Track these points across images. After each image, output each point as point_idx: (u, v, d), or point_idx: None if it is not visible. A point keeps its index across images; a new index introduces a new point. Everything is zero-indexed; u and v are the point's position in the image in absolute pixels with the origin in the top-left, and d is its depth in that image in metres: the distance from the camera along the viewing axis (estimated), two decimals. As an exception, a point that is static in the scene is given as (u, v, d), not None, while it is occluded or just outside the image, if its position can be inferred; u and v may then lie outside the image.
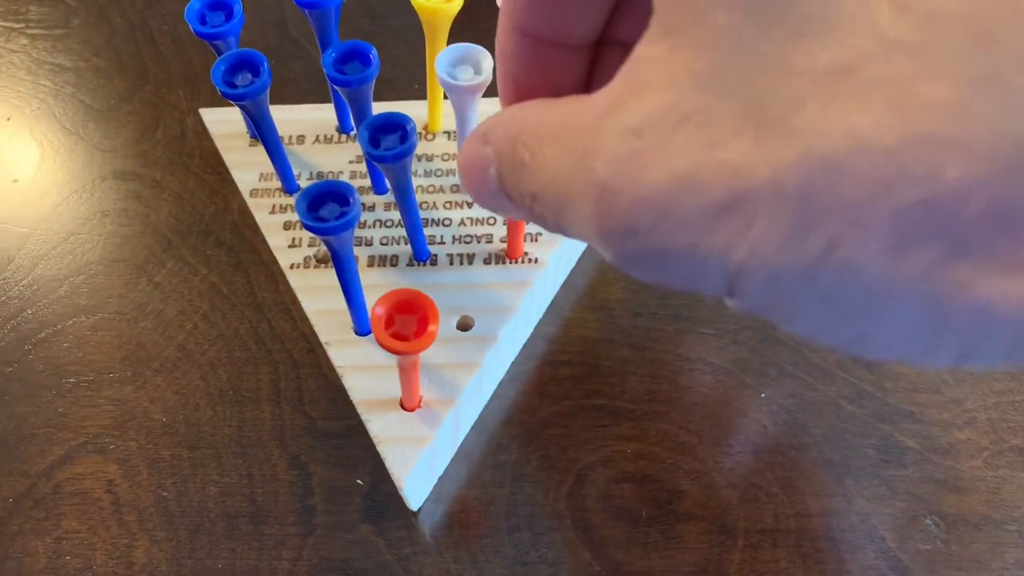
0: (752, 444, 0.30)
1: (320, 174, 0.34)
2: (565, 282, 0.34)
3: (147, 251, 0.35)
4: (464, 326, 0.30)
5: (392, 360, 0.26)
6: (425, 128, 0.36)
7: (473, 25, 0.37)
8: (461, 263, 0.32)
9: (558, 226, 0.13)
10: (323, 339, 0.30)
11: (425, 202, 0.33)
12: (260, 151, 0.35)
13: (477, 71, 0.27)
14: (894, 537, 0.28)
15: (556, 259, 0.32)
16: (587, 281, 0.34)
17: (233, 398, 0.31)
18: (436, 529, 0.28)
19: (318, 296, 0.31)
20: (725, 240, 0.10)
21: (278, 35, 0.42)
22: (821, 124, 0.09)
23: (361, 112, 0.29)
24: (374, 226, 0.33)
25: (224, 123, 0.37)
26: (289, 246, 0.33)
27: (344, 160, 0.35)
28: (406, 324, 0.23)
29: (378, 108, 0.29)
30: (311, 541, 0.28)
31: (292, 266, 0.32)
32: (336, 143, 0.35)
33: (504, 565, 0.28)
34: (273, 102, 0.31)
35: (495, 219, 0.33)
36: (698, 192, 0.10)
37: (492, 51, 0.19)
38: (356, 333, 0.30)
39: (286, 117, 0.36)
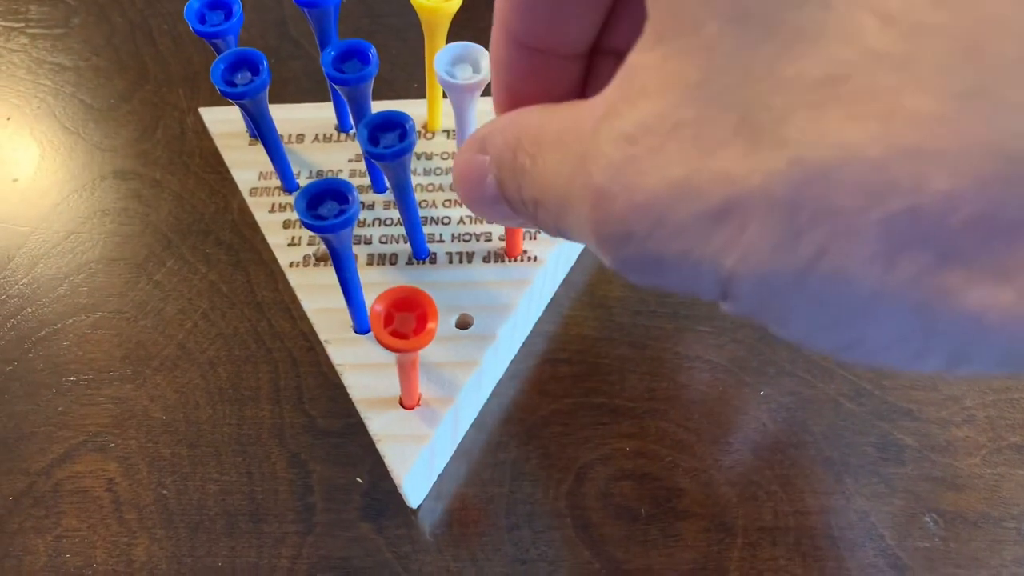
0: (751, 442, 0.30)
1: (319, 173, 0.35)
2: (564, 280, 0.34)
3: (147, 250, 0.35)
4: (463, 324, 0.30)
5: (391, 358, 0.26)
6: (424, 127, 0.36)
7: (472, 24, 0.37)
8: (460, 261, 0.32)
9: (559, 231, 0.13)
10: (322, 337, 0.30)
11: (424, 200, 0.33)
12: (260, 150, 0.35)
13: (476, 70, 0.27)
14: (893, 535, 0.28)
15: (555, 257, 0.32)
16: (586, 279, 0.34)
17: (233, 396, 0.31)
18: (436, 527, 0.29)
19: (317, 294, 0.31)
20: (718, 246, 0.10)
21: (278, 34, 0.42)
22: (809, 134, 0.09)
23: (360, 111, 0.29)
24: (373, 224, 0.33)
25: (224, 122, 0.37)
26: (288, 244, 0.33)
27: (343, 159, 0.35)
28: (405, 322, 0.23)
29: (377, 107, 0.29)
30: (311, 539, 0.28)
31: (291, 264, 0.32)
32: (335, 142, 0.35)
33: (504, 563, 0.28)
34: (273, 101, 0.31)
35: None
36: (692, 199, 0.10)
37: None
38: (355, 331, 0.30)
39: (285, 116, 0.36)
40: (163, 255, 0.35)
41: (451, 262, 0.32)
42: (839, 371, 0.31)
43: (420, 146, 0.35)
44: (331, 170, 0.35)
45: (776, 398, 0.31)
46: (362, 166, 0.35)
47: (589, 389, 0.31)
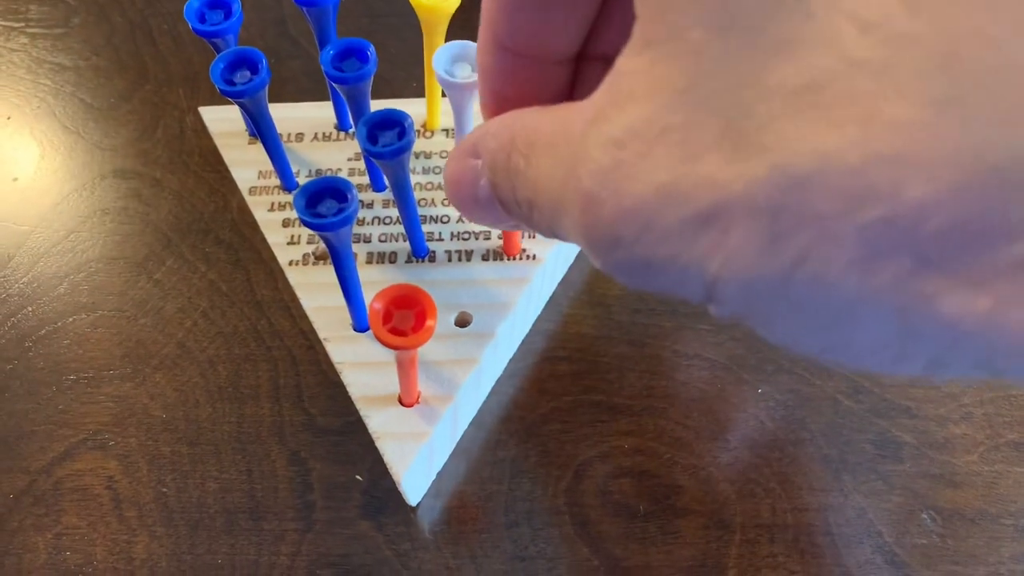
0: (749, 439, 0.30)
1: (319, 171, 0.35)
2: (563, 279, 0.34)
3: (147, 249, 0.35)
4: (462, 322, 0.30)
5: (391, 356, 0.26)
6: (423, 126, 0.36)
7: (470, 22, 0.37)
8: (459, 260, 0.32)
9: (553, 232, 0.13)
10: (322, 335, 0.30)
11: (423, 199, 0.33)
12: (259, 149, 0.35)
13: (475, 68, 0.27)
14: (890, 532, 0.28)
15: (554, 256, 0.32)
16: (585, 277, 0.34)
17: (232, 395, 0.31)
18: (435, 524, 0.29)
19: (317, 293, 0.31)
20: (703, 251, 0.10)
21: (277, 34, 0.42)
22: (790, 141, 0.09)
23: (359, 109, 0.29)
24: (373, 223, 0.33)
25: (223, 121, 0.37)
26: (288, 243, 0.33)
27: (343, 157, 0.35)
28: (404, 319, 0.23)
29: (376, 106, 0.29)
30: (310, 537, 0.28)
31: (291, 263, 0.32)
32: (335, 141, 0.36)
33: (503, 560, 0.28)
34: (272, 100, 0.31)
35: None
36: (678, 204, 0.10)
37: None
38: (355, 329, 0.30)
39: (285, 115, 0.36)
40: (163, 254, 0.35)
41: (450, 260, 0.32)
42: (837, 369, 0.31)
43: (419, 145, 0.35)
44: (330, 169, 0.35)
45: (774, 396, 0.31)
46: (361, 165, 0.35)
47: (588, 387, 0.31)
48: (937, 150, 0.08)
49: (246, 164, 0.35)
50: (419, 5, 0.29)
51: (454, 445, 0.30)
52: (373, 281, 0.31)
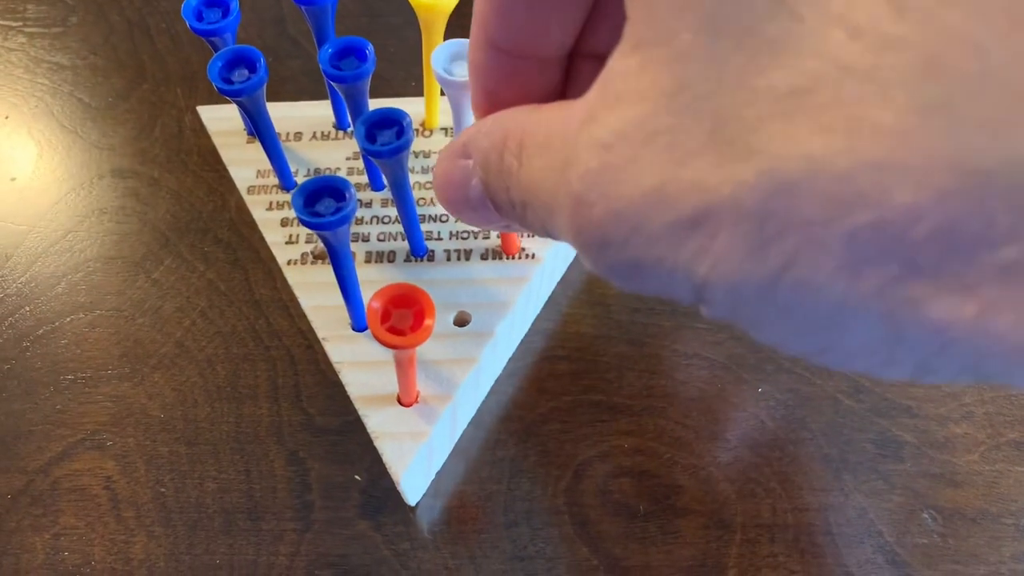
0: (749, 439, 0.30)
1: (317, 170, 0.35)
2: (562, 278, 0.34)
3: (145, 248, 0.35)
4: (461, 322, 0.30)
5: (389, 355, 0.26)
6: (422, 124, 0.36)
7: (469, 21, 0.37)
8: (458, 259, 0.32)
9: (547, 233, 0.13)
10: (320, 335, 0.30)
11: (422, 198, 0.33)
12: (257, 148, 0.35)
13: (473, 66, 0.27)
14: (891, 531, 0.28)
15: (553, 255, 0.32)
16: (584, 277, 0.34)
17: (231, 394, 0.31)
18: (434, 524, 0.29)
19: (315, 292, 0.31)
20: (691, 254, 0.10)
21: (276, 33, 0.42)
22: (778, 146, 0.09)
23: (358, 108, 0.29)
24: (371, 222, 0.33)
25: (222, 120, 0.37)
26: (286, 242, 0.33)
27: (341, 157, 0.35)
28: (402, 318, 0.23)
29: (375, 105, 0.29)
30: (309, 536, 0.28)
31: (289, 262, 0.32)
32: (333, 140, 0.35)
33: (502, 560, 0.28)
34: (270, 99, 0.31)
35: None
36: (665, 208, 0.10)
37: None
38: (353, 329, 0.30)
39: (283, 114, 0.36)
40: (161, 253, 0.35)
41: (449, 259, 0.32)
42: (831, 369, 0.31)
43: (418, 144, 0.35)
44: (329, 168, 0.35)
45: (774, 395, 0.31)
46: (360, 164, 0.35)
47: (587, 386, 0.31)
48: (923, 156, 0.08)
49: (244, 163, 0.35)
50: (418, 4, 0.29)
51: (453, 445, 0.30)
52: (372, 280, 0.31)
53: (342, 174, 0.34)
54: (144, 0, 0.44)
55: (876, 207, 0.08)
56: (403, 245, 0.32)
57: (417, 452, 0.27)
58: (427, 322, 0.23)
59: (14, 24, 0.43)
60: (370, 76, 0.28)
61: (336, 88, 0.29)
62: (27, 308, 0.33)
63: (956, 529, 0.28)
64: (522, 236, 0.32)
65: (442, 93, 0.33)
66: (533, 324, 0.33)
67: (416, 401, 0.28)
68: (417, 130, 0.36)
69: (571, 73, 0.16)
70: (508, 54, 0.15)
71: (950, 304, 0.09)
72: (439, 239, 0.32)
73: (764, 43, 0.09)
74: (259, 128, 0.31)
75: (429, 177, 0.34)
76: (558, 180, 0.12)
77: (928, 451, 0.30)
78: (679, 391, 0.31)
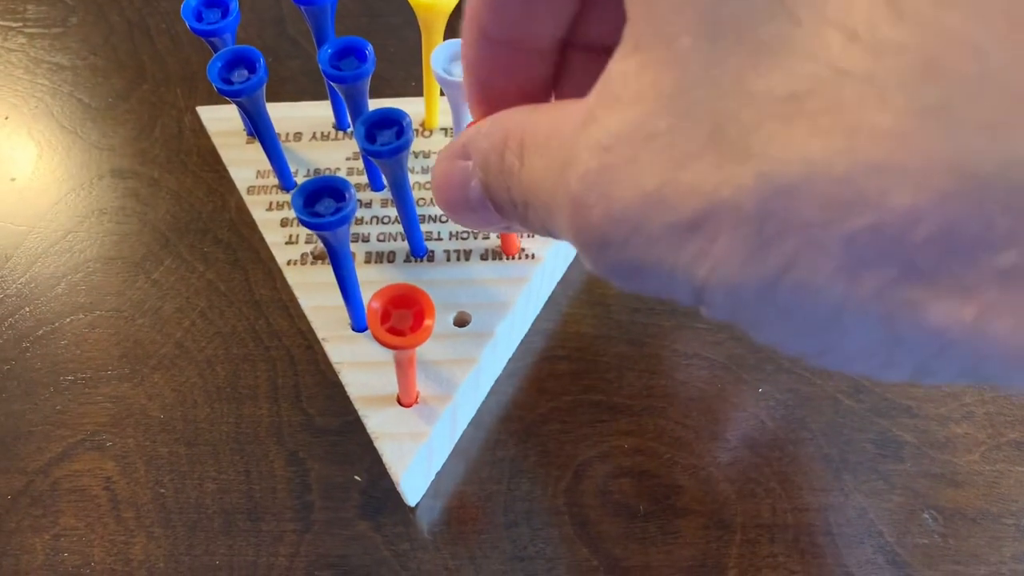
0: (749, 439, 0.30)
1: (317, 171, 0.35)
2: (562, 278, 0.34)
3: (145, 249, 0.35)
4: (461, 322, 0.30)
5: (389, 356, 0.26)
6: (422, 125, 0.36)
7: (470, 22, 0.37)
8: (458, 259, 0.32)
9: (548, 232, 0.13)
10: (320, 335, 0.30)
11: (422, 198, 0.33)
12: (257, 148, 0.35)
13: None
14: (891, 531, 0.28)
15: (553, 255, 0.32)
16: (584, 277, 0.34)
17: (231, 395, 0.31)
18: (434, 525, 0.29)
19: (315, 292, 0.31)
20: (690, 256, 0.10)
21: (276, 34, 0.42)
22: (777, 149, 0.09)
23: (358, 109, 0.29)
24: (371, 223, 0.33)
25: (221, 121, 0.37)
26: (286, 243, 0.33)
27: (341, 157, 0.35)
28: (402, 319, 0.23)
29: (375, 105, 0.29)
30: (308, 537, 0.28)
31: (289, 263, 0.32)
32: (333, 140, 0.35)
33: (502, 560, 0.28)
34: (270, 100, 0.31)
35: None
36: (664, 210, 0.10)
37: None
38: (353, 329, 0.30)
39: (283, 114, 0.36)
40: (161, 254, 0.35)
41: (449, 260, 0.32)
42: (830, 370, 0.31)
43: (417, 144, 0.35)
44: (329, 168, 0.35)
45: (774, 395, 0.31)
46: (360, 164, 0.35)
47: (587, 387, 0.31)
48: (922, 158, 0.08)
49: (244, 163, 0.35)
50: (417, 4, 0.29)
51: (453, 445, 0.30)
52: (371, 281, 0.31)
53: (342, 174, 0.34)
54: (144, 0, 0.44)
55: (875, 209, 0.08)
56: (403, 245, 0.32)
57: (417, 452, 0.27)
58: (427, 322, 0.23)
59: (14, 24, 0.43)
60: (370, 76, 0.28)
61: (336, 88, 0.29)
62: (27, 309, 0.33)
63: (956, 529, 0.28)
64: (522, 236, 0.32)
65: (442, 93, 0.33)
66: (533, 324, 0.33)
67: (416, 401, 0.28)
68: (417, 130, 0.36)
69: (565, 64, 0.16)
70: (501, 45, 0.15)
71: (949, 307, 0.09)
72: (439, 239, 0.32)
73: (762, 47, 0.09)
74: (259, 128, 0.31)
75: (429, 177, 0.34)
76: (558, 180, 0.12)
77: (928, 451, 0.30)
78: (679, 391, 0.31)
